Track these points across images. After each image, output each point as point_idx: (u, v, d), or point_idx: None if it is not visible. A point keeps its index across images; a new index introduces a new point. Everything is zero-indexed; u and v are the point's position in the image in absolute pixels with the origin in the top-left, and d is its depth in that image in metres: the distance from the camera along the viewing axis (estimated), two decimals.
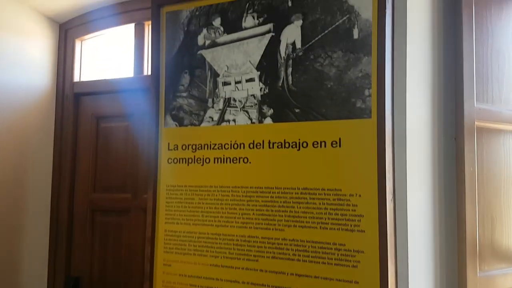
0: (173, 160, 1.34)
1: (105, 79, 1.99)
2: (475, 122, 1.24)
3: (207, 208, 1.26)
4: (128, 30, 1.96)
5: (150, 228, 1.32)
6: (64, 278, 1.94)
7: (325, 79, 1.16)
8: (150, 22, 1.94)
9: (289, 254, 1.14)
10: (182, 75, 1.35)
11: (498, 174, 1.31)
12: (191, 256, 1.26)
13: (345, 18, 1.14)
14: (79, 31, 2.03)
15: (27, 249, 1.92)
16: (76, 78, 2.05)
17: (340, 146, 1.12)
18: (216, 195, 1.25)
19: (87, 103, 2.03)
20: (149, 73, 1.92)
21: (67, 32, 2.05)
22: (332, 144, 1.13)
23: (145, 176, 1.87)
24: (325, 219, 1.11)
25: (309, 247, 1.12)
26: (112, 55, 2.06)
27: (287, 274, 1.14)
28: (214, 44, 1.30)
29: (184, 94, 1.34)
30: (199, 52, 1.32)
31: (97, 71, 2.09)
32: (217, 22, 1.30)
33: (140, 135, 1.90)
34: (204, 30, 1.32)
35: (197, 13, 1.33)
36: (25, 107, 1.93)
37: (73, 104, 2.02)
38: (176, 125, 1.35)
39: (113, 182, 1.94)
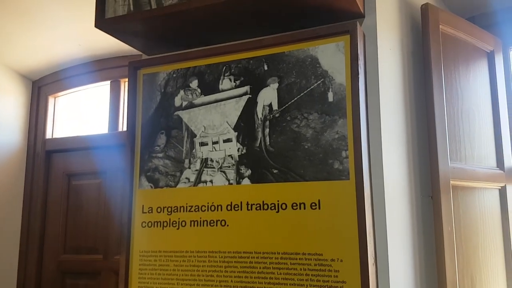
0: (148, 223, 1.29)
1: (78, 136, 1.95)
2: (450, 181, 1.26)
3: (182, 275, 1.20)
4: (103, 87, 1.96)
5: None
6: None
7: (302, 140, 1.16)
8: (126, 80, 1.95)
9: None
10: (158, 135, 1.33)
11: (475, 231, 1.32)
12: None
13: (319, 82, 1.16)
14: (53, 88, 2.02)
15: None
16: (48, 135, 2.00)
17: (319, 208, 1.11)
18: (192, 261, 1.20)
19: (58, 160, 1.97)
20: (124, 129, 1.90)
21: (40, 89, 2.03)
22: (311, 206, 1.11)
23: (117, 237, 1.80)
24: (307, 286, 1.07)
25: None
26: (86, 112, 2.04)
27: None
28: (191, 105, 1.30)
29: (160, 155, 1.32)
30: (176, 113, 1.32)
31: (70, 128, 2.05)
32: (194, 84, 1.31)
33: (113, 193, 1.85)
34: (181, 92, 1.32)
35: (174, 75, 1.34)
36: None
37: (44, 161, 1.96)
38: (151, 187, 1.31)
39: (84, 242, 1.85)
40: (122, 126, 1.90)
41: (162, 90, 1.34)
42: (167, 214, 1.27)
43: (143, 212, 1.30)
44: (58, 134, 2.03)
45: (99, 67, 1.91)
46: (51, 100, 2.05)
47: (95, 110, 1.99)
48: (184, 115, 1.30)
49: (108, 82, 1.95)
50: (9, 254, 1.89)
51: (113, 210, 1.82)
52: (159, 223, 1.27)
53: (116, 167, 1.84)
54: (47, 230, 1.92)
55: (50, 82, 2.02)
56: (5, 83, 1.93)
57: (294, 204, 1.13)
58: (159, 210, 1.28)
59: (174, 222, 1.26)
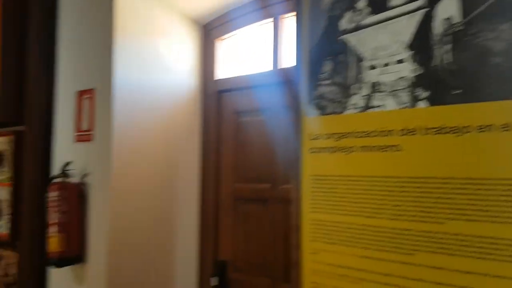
0: (316, 150, 1.33)
1: (244, 75, 2.08)
2: None
3: (353, 198, 1.22)
4: (265, 25, 2.03)
5: (296, 217, 1.33)
6: (212, 261, 2.10)
7: (490, 55, 1.02)
8: (287, 15, 1.98)
9: (451, 249, 1.03)
10: (324, 62, 1.33)
11: None
12: (338, 246, 1.24)
13: None
14: (219, 30, 2.17)
15: (179, 237, 2.12)
16: (217, 76, 2.19)
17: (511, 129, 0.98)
18: (363, 185, 1.20)
19: (227, 99, 2.15)
20: (287, 65, 1.95)
21: (208, 33, 2.21)
22: (502, 127, 0.99)
23: (283, 168, 1.91)
24: (495, 212, 0.98)
25: (476, 242, 1.00)
26: (250, 51, 2.15)
27: (449, 270, 1.03)
28: (358, 28, 1.25)
29: (327, 82, 1.32)
30: (342, 37, 1.28)
31: (235, 68, 2.20)
32: (362, 3, 1.25)
33: (278, 128, 1.94)
34: (348, 14, 1.27)
35: None
36: (173, 107, 2.13)
37: (215, 101, 2.17)
38: (319, 114, 1.33)
39: (252, 173, 2.02)
40: (284, 63, 1.96)
41: (328, 15, 1.32)
42: (335, 140, 1.28)
43: (310, 139, 1.34)
44: (225, 75, 2.20)
45: (261, 5, 1.98)
46: (217, 42, 2.21)
47: (257, 49, 2.09)
48: (351, 39, 1.27)
49: (270, 19, 2.00)
50: (192, 182, 2.19)
51: (278, 144, 1.93)
52: (327, 149, 1.30)
53: (281, 103, 1.93)
54: (221, 162, 2.15)
55: (217, 25, 2.18)
56: (180, 30, 2.15)
57: (480, 127, 1.02)
58: (327, 136, 1.31)
59: (343, 148, 1.27)
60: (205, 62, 2.22)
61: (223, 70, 2.23)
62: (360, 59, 1.25)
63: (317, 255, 1.29)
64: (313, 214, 1.31)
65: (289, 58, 1.98)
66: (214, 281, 2.03)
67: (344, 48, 1.28)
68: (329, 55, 1.31)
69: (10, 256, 2.22)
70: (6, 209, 2.23)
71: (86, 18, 2.07)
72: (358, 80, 1.24)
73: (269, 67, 2.01)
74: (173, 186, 2.11)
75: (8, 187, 2.24)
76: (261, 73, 2.02)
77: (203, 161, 2.20)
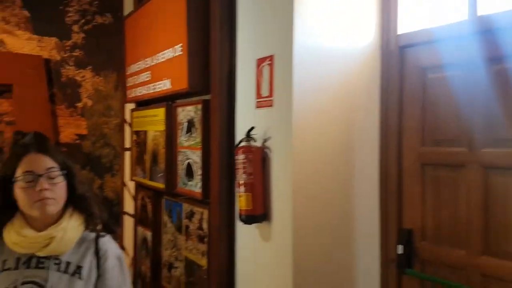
0: None
1: (431, 27, 1.86)
2: None
3: None
4: None
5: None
6: (397, 230, 1.99)
7: None
8: None
9: None
10: None
11: None
12: None
13: None
14: None
15: (360, 202, 2.06)
16: (400, 31, 2.00)
17: None
18: None
19: (412, 55, 1.96)
20: (490, 12, 1.67)
21: None
22: None
23: (482, 129, 1.67)
24: None
25: None
26: (437, 1, 1.90)
27: None
28: None
29: None
30: None
31: (421, 20, 1.97)
32: None
33: (475, 85, 1.69)
34: None
35: None
36: (351, 67, 2.03)
37: (397, 58, 2.00)
38: None
39: (444, 135, 1.82)
40: (481, 10, 1.68)
41: None
42: None
43: None
44: (407, 29, 2.00)
45: None
46: None
47: None
48: None
49: None
50: (372, 146, 2.08)
51: (476, 103, 1.68)
52: None
53: (477, 57, 1.67)
54: (404, 124, 1.99)
55: None
56: None
57: None
58: None
59: None
60: (386, 17, 2.05)
61: (407, 23, 2.03)
62: None
63: None
64: None
65: (492, 2, 1.67)
66: (399, 249, 1.93)
67: None
68: None
69: (202, 212, 2.48)
70: (198, 171, 2.49)
71: None
72: None
73: (463, 15, 1.74)
74: (352, 149, 2.04)
75: (198, 151, 2.48)
76: (453, 23, 1.77)
77: (384, 123, 2.06)
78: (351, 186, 2.04)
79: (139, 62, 3.16)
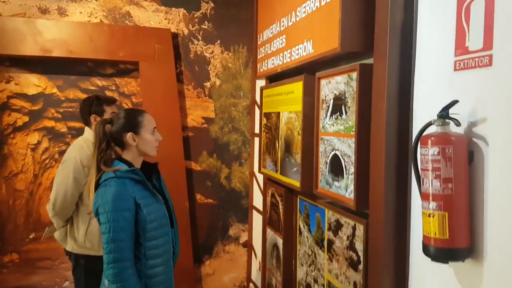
0: None
1: None
2: None
3: None
4: None
5: None
6: None
7: None
8: None
9: None
10: None
11: None
12: None
13: None
14: None
15: None
16: None
17: None
18: None
19: None
20: None
21: None
22: None
23: None
24: None
25: None
26: None
27: None
28: None
29: None
30: None
31: None
32: None
33: None
34: None
35: None
36: None
37: None
38: None
39: None
40: None
41: None
42: None
43: None
44: None
45: None
46: None
47: None
48: None
49: None
50: None
51: None
52: None
53: None
54: None
55: None
56: None
57: None
58: None
59: None
60: None
61: None
62: None
63: None
64: None
65: None
66: None
67: None
68: None
69: (356, 226, 1.74)
70: (349, 167, 1.74)
71: None
72: None
73: None
74: None
75: (350, 139, 1.73)
76: None
77: None
78: None
79: (272, 26, 2.52)
